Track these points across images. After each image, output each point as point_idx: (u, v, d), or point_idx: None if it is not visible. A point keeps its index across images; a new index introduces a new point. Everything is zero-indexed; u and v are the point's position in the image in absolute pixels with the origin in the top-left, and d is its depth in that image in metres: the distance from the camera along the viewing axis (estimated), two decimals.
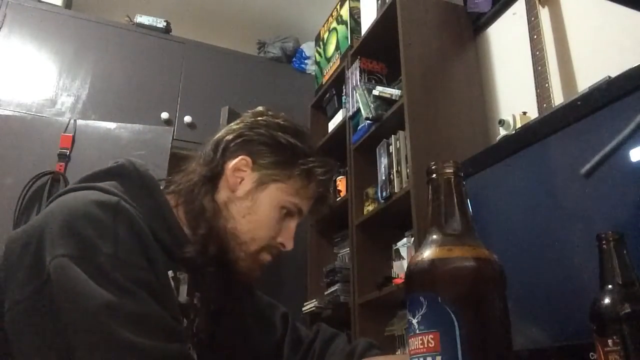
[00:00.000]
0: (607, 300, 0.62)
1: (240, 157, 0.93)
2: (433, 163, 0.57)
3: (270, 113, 1.00)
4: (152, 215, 0.82)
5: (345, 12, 2.93)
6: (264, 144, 0.94)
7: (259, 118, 0.98)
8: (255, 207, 0.91)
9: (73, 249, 0.70)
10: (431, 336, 0.49)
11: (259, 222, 0.91)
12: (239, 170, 0.93)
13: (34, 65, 2.76)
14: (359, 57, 2.58)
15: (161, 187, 0.91)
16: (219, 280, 0.89)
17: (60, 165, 2.30)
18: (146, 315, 0.70)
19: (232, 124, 1.00)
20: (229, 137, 0.96)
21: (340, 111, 2.82)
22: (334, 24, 3.06)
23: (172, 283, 0.82)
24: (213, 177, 0.93)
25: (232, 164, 0.93)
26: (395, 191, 2.15)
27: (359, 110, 2.45)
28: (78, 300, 0.67)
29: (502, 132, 1.92)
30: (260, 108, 1.02)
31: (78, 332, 0.67)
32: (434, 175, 0.56)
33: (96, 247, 0.71)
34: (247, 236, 0.90)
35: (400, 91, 2.21)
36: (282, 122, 0.97)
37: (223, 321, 0.92)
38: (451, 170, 0.56)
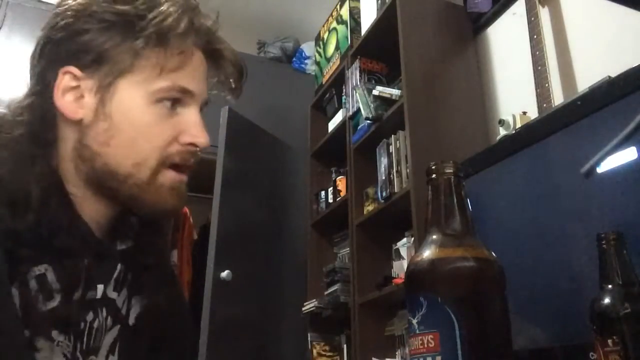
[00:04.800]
0: (607, 300, 0.62)
1: (61, 73, 0.66)
2: (433, 163, 0.57)
3: None
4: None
5: (345, 12, 2.93)
6: (76, 35, 0.66)
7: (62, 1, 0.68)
8: (115, 123, 0.65)
9: None
10: (431, 336, 0.49)
11: (133, 139, 0.65)
12: (69, 90, 0.66)
13: None
14: (359, 57, 2.58)
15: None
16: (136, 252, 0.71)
17: None
18: None
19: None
20: (34, 52, 0.69)
21: (340, 111, 2.82)
22: (334, 24, 3.06)
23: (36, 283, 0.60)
24: (44, 124, 0.67)
25: (55, 87, 0.66)
26: (395, 191, 2.15)
27: (359, 110, 2.45)
28: None
29: (502, 132, 1.92)
30: None
31: None
32: (434, 176, 0.57)
33: None
34: (128, 164, 0.65)
35: (400, 91, 2.21)
36: None
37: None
38: (451, 171, 0.56)
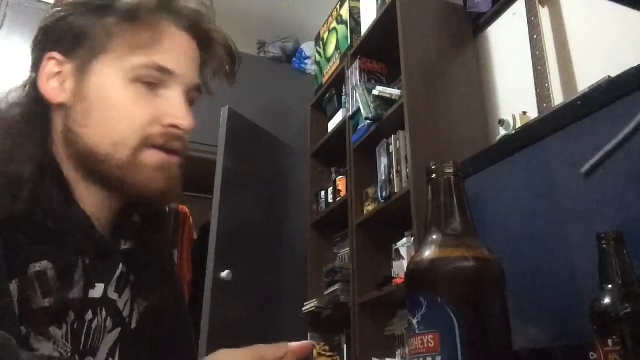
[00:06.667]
0: (607, 300, 0.62)
1: (45, 59, 0.67)
2: (433, 163, 0.57)
3: None
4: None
5: (345, 12, 2.93)
6: (60, 20, 0.66)
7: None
8: (92, 103, 0.65)
9: None
10: (431, 336, 0.49)
11: (110, 117, 0.64)
12: (54, 76, 0.67)
13: None
14: (358, 57, 2.59)
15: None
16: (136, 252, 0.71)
17: None
18: None
19: None
20: (31, 46, 0.70)
21: (340, 111, 2.82)
22: (334, 24, 3.06)
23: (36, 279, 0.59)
24: (38, 108, 0.68)
25: (41, 74, 0.67)
26: (395, 191, 2.15)
27: (359, 110, 2.45)
28: None
29: (502, 132, 1.92)
30: None
31: None
32: (434, 176, 0.57)
33: None
34: (107, 144, 0.64)
35: (400, 91, 2.21)
36: None
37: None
38: (451, 171, 0.56)
